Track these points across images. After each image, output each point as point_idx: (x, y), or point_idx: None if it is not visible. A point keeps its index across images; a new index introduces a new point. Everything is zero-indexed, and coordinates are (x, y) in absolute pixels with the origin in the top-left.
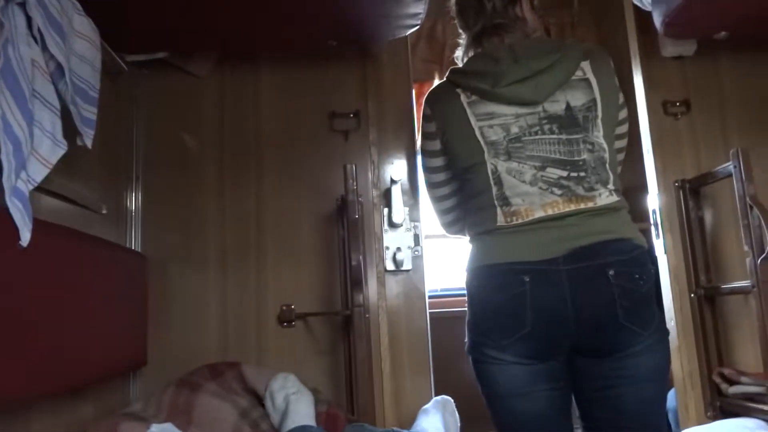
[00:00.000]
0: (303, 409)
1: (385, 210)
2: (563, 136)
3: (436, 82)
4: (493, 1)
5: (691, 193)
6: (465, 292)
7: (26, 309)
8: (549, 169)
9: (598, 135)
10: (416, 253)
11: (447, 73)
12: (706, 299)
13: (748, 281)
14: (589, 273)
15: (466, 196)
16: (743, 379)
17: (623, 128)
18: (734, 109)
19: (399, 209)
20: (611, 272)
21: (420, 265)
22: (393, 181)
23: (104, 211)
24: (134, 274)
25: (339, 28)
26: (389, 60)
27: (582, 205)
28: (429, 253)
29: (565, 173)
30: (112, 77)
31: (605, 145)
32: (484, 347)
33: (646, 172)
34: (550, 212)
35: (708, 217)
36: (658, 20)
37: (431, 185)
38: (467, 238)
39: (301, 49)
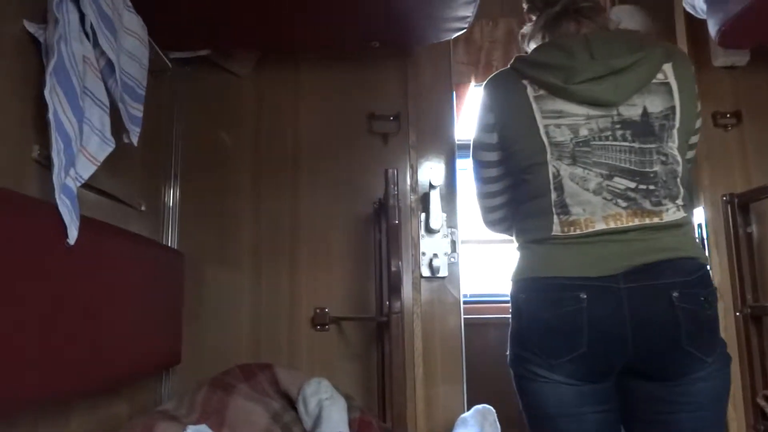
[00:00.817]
0: (336, 416)
1: (423, 215)
2: (636, 145)
3: (473, 85)
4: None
5: (740, 208)
6: (501, 299)
7: (70, 306)
8: (616, 179)
9: (673, 146)
10: (452, 259)
11: (512, 61)
12: (753, 319)
13: None
14: (652, 293)
15: (520, 199)
16: None
17: (696, 138)
18: None
19: (437, 215)
20: (675, 294)
21: (456, 272)
22: (432, 186)
23: (143, 208)
24: (172, 271)
25: (384, 29)
26: (430, 63)
27: (647, 220)
28: (463, 258)
29: (633, 184)
30: (156, 74)
31: (679, 158)
32: (531, 364)
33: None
34: (612, 225)
35: (757, 233)
36: (713, 29)
37: (481, 180)
38: (514, 241)
39: (341, 49)
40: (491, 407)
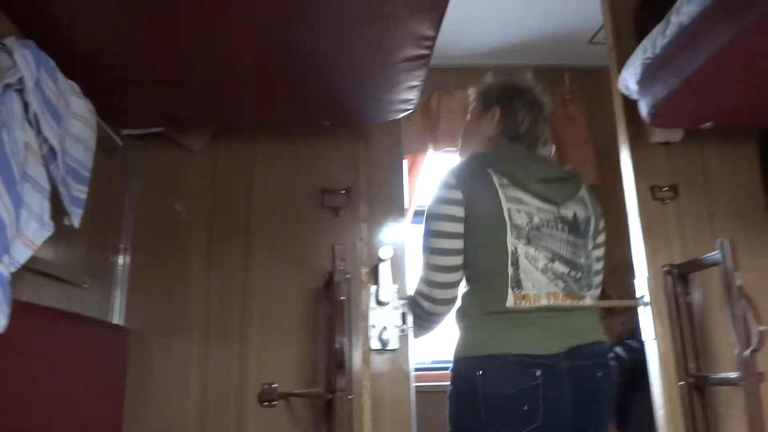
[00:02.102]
0: None
1: (373, 288)
2: (570, 238)
3: (430, 153)
4: (544, 121)
5: (680, 278)
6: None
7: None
8: (557, 263)
9: (590, 246)
10: (403, 331)
11: (477, 155)
12: (696, 388)
13: (738, 372)
14: (586, 371)
15: (475, 274)
16: None
17: (602, 249)
18: (720, 195)
19: (387, 287)
20: (599, 373)
21: (406, 344)
22: (381, 260)
23: (86, 285)
24: (114, 350)
25: (332, 111)
26: (381, 138)
27: (576, 302)
28: None
29: (567, 270)
30: (106, 151)
31: (593, 257)
32: None
33: (633, 255)
34: (552, 302)
35: (697, 302)
36: (644, 110)
37: (442, 252)
38: (461, 318)
39: (294, 127)
40: None
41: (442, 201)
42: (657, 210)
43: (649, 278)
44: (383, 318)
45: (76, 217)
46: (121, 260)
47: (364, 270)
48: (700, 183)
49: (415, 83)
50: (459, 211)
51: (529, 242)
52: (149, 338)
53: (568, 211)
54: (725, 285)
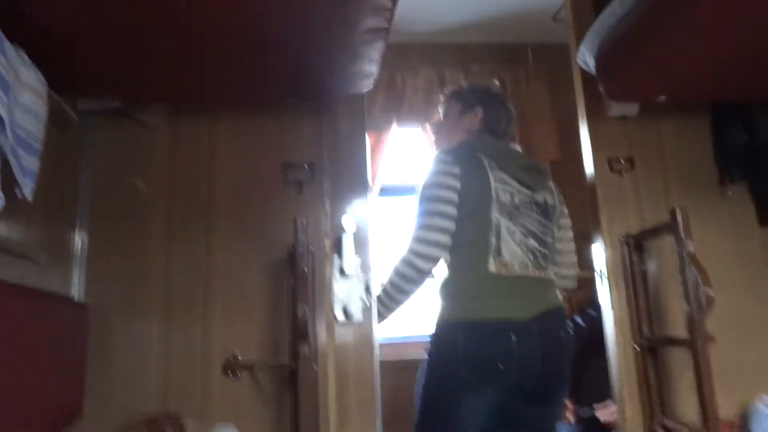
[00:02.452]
0: None
1: (337, 260)
2: (542, 219)
3: (394, 130)
4: (510, 120)
5: (635, 247)
6: (420, 340)
7: None
8: (530, 239)
9: (555, 230)
10: (367, 303)
11: (466, 139)
12: (649, 350)
13: (688, 334)
14: (552, 333)
15: (461, 242)
16: (683, 430)
17: (566, 232)
18: (675, 166)
19: (350, 259)
20: (563, 335)
21: (370, 316)
22: (344, 231)
23: (42, 261)
24: (74, 326)
25: (294, 86)
26: (345, 113)
27: (543, 275)
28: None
29: (538, 246)
30: (60, 125)
31: (555, 238)
32: (466, 391)
33: (592, 225)
34: (524, 272)
35: (651, 270)
36: (602, 84)
37: (438, 214)
38: (445, 286)
39: (257, 102)
40: None
41: (441, 173)
42: (614, 182)
43: (606, 248)
44: (347, 290)
45: (28, 190)
46: (78, 236)
47: (328, 243)
48: (655, 155)
49: (375, 56)
50: (456, 183)
51: (510, 218)
52: (110, 314)
53: (540, 197)
54: (677, 252)
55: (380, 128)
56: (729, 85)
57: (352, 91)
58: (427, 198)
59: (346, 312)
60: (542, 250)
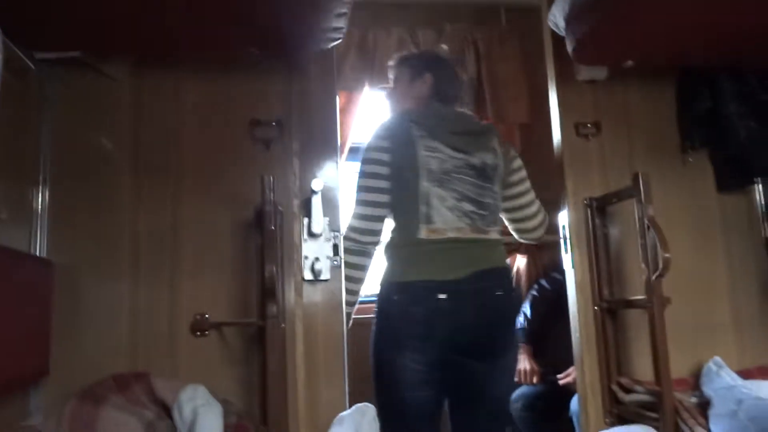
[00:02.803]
0: (211, 422)
1: (305, 220)
2: (478, 182)
3: (366, 91)
4: (459, 85)
5: (598, 211)
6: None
7: None
8: (464, 203)
9: (497, 189)
10: (335, 262)
11: (402, 112)
12: (609, 312)
13: (645, 296)
14: (486, 292)
15: (398, 212)
16: (638, 387)
17: (519, 187)
18: (640, 132)
19: (318, 219)
20: (499, 293)
21: (338, 275)
22: (313, 192)
23: (3, 216)
24: (39, 283)
25: (260, 37)
26: (315, 71)
27: (481, 236)
28: None
29: (474, 209)
30: (18, 75)
31: (499, 198)
32: (402, 349)
33: (558, 188)
34: (459, 235)
35: (613, 234)
36: (570, 46)
37: (371, 204)
38: (386, 250)
39: (223, 55)
40: (370, 405)
41: (373, 149)
42: (580, 146)
43: (569, 211)
44: (315, 249)
45: None
46: (41, 192)
47: (296, 202)
48: (621, 121)
49: (342, 9)
50: (386, 158)
51: (440, 184)
52: (76, 272)
53: (477, 159)
54: (638, 216)
55: (351, 88)
56: (695, 52)
57: (319, 46)
58: (361, 173)
59: (314, 271)
60: (480, 212)
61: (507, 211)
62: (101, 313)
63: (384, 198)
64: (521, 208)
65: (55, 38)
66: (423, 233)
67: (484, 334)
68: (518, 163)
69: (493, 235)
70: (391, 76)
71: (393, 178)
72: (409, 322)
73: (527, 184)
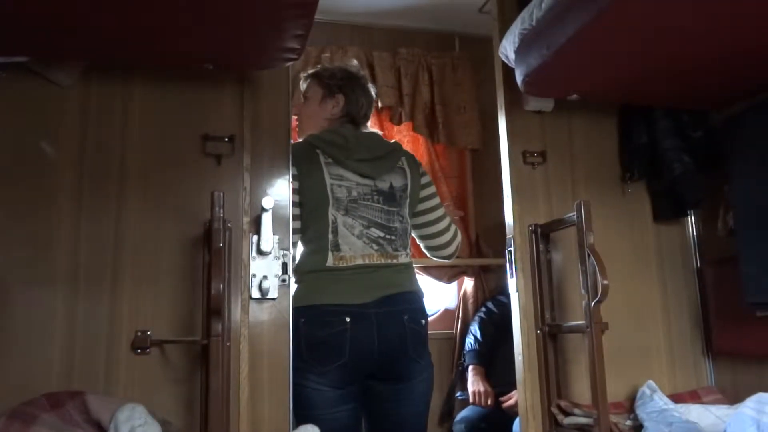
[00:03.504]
0: None
1: (254, 237)
2: (385, 207)
3: None
4: (370, 104)
5: (542, 237)
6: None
7: None
8: (372, 229)
9: (406, 211)
10: (283, 281)
11: (306, 137)
12: (550, 336)
13: (585, 321)
14: (392, 317)
15: (307, 238)
16: (576, 410)
17: (428, 203)
18: (583, 162)
19: (268, 237)
20: (406, 317)
21: (286, 294)
22: (263, 209)
23: None
24: None
25: (215, 53)
26: (269, 87)
27: (390, 261)
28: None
29: (382, 234)
30: None
31: (408, 219)
32: (306, 372)
33: (504, 214)
34: (367, 261)
35: (556, 260)
36: (519, 78)
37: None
38: (295, 274)
39: (176, 67)
40: (315, 426)
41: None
42: (527, 174)
43: (515, 236)
44: (264, 268)
45: None
46: None
47: (246, 220)
48: (566, 151)
49: (300, 32)
50: (295, 185)
51: (347, 213)
52: (8, 285)
53: (384, 184)
54: (579, 243)
55: None
56: (633, 88)
57: (275, 65)
58: None
59: (261, 289)
60: (388, 236)
61: (417, 227)
62: (34, 330)
63: (295, 224)
64: (430, 224)
65: (0, 42)
66: (331, 261)
67: (389, 358)
68: (426, 179)
69: (403, 259)
70: (301, 91)
71: (302, 205)
72: (315, 345)
73: (436, 200)
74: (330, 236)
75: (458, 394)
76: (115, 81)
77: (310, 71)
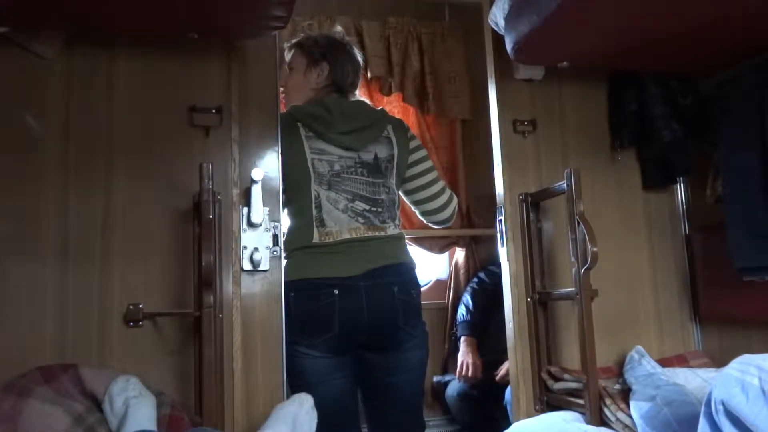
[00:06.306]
0: (143, 413)
1: (244, 209)
2: (370, 179)
3: None
4: (357, 72)
5: (532, 206)
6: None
7: None
8: (357, 202)
9: (393, 181)
10: (274, 253)
11: (290, 108)
12: (540, 303)
13: (574, 288)
14: (381, 288)
15: (291, 215)
16: (566, 376)
17: (417, 168)
18: (573, 131)
19: (258, 209)
20: (396, 288)
21: (278, 266)
22: (253, 181)
23: None
24: None
25: (200, 22)
26: (256, 58)
27: (378, 233)
28: None
29: (368, 207)
30: None
31: (396, 190)
32: (298, 345)
33: (495, 183)
34: (354, 236)
35: (546, 228)
36: (508, 46)
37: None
38: (284, 250)
39: (161, 37)
40: (309, 395)
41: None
42: (517, 142)
43: (505, 205)
44: (255, 240)
45: None
46: None
47: (236, 192)
48: (556, 119)
49: None
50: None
51: (330, 187)
52: None
53: (369, 155)
54: (569, 211)
55: None
56: (623, 55)
57: (261, 33)
58: None
59: (252, 261)
60: (375, 209)
61: (409, 193)
62: (26, 305)
63: (281, 198)
64: (422, 188)
65: None
66: (317, 237)
67: (380, 330)
68: (416, 142)
69: (391, 230)
70: (285, 61)
71: (285, 179)
72: (305, 318)
73: (427, 163)
74: (314, 212)
75: (435, 378)
76: (99, 52)
77: (293, 41)
